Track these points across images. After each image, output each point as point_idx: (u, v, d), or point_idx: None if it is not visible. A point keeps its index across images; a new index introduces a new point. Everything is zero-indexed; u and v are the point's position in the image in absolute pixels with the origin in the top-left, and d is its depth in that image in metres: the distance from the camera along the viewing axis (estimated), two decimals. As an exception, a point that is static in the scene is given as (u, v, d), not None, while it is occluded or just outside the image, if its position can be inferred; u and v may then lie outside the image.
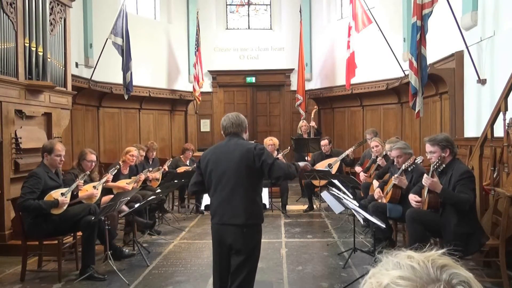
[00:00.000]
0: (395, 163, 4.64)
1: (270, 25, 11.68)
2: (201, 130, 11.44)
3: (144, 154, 6.48)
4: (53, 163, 4.17)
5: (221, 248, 2.82)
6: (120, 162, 5.53)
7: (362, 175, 6.01)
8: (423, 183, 3.48)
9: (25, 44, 5.15)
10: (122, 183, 5.35)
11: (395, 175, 4.26)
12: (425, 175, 3.46)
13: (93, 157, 4.69)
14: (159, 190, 5.38)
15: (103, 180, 4.71)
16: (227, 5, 11.65)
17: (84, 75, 8.19)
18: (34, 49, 5.24)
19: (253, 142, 3.17)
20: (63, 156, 4.27)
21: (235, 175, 2.74)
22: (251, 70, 11.25)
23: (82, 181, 4.29)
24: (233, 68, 11.21)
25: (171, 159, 7.77)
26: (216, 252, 2.88)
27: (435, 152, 3.53)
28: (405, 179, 4.25)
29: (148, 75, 9.97)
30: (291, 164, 2.99)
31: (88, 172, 4.53)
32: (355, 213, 4.06)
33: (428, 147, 3.60)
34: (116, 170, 5.00)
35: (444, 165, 3.51)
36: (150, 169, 6.13)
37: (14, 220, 4.74)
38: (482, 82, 5.35)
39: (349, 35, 8.60)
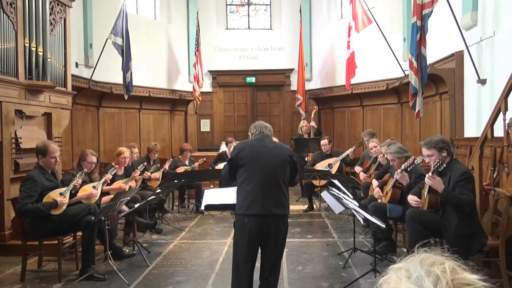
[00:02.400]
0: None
1: (270, 25, 11.69)
2: (201, 130, 11.44)
3: (136, 151, 6.45)
4: (49, 164, 4.15)
5: (255, 240, 2.89)
6: (113, 164, 5.51)
7: (362, 175, 6.01)
8: (426, 181, 3.47)
9: (25, 44, 5.15)
10: (119, 183, 5.32)
11: (397, 171, 4.24)
12: (428, 173, 3.45)
13: (93, 158, 4.68)
14: (159, 190, 5.38)
15: (102, 180, 4.70)
16: (227, 5, 11.65)
17: (84, 75, 8.19)
18: (34, 49, 5.24)
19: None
20: (58, 157, 4.25)
21: (278, 169, 2.97)
22: (251, 70, 11.25)
23: (80, 180, 4.27)
24: (233, 68, 11.21)
25: (171, 159, 7.77)
26: (246, 245, 2.90)
27: (433, 155, 3.52)
28: (407, 176, 4.25)
29: (148, 75, 9.98)
30: None
31: (85, 170, 4.52)
32: (355, 213, 4.06)
33: (425, 151, 3.59)
34: (115, 170, 5.00)
35: (444, 165, 3.50)
36: (145, 163, 6.10)
37: (14, 220, 4.74)
38: (482, 82, 5.35)
39: (349, 35, 8.60)
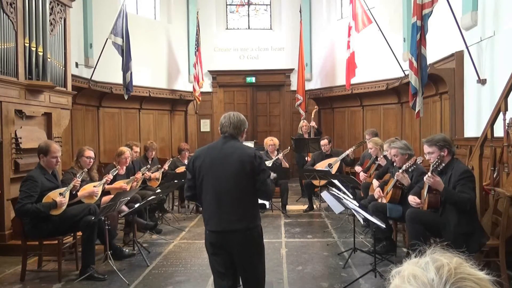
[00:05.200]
0: (394, 164, 4.65)
1: (270, 25, 11.68)
2: (201, 130, 11.45)
3: (138, 149, 6.46)
4: (49, 164, 4.15)
5: (220, 253, 2.67)
6: (114, 164, 5.52)
7: (362, 175, 6.01)
8: (425, 181, 3.48)
9: (25, 44, 5.15)
10: (120, 183, 5.33)
11: (398, 172, 4.24)
12: (428, 173, 3.45)
13: (91, 153, 4.69)
14: (159, 190, 5.38)
15: (103, 180, 4.71)
16: (227, 5, 11.65)
17: (84, 75, 8.19)
18: (34, 49, 5.24)
19: (250, 147, 2.98)
20: (59, 157, 4.25)
21: (233, 180, 2.62)
22: (251, 70, 11.25)
23: (80, 179, 4.27)
24: (233, 68, 11.21)
25: (171, 159, 7.77)
26: (212, 257, 2.71)
27: (433, 152, 3.54)
28: (408, 177, 4.24)
29: (148, 75, 9.97)
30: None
31: (86, 169, 4.52)
32: (355, 213, 4.06)
33: (426, 148, 3.60)
34: (117, 171, 5.00)
35: (443, 165, 3.51)
36: (148, 166, 6.11)
37: (14, 220, 4.73)
38: (482, 82, 5.35)
39: (349, 35, 8.60)
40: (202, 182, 2.69)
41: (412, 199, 3.76)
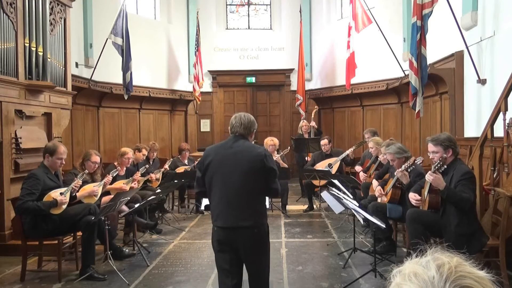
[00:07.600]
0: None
1: (270, 25, 11.69)
2: (201, 130, 11.45)
3: (146, 153, 6.48)
4: (53, 165, 4.16)
5: (227, 250, 2.69)
6: (115, 164, 5.52)
7: (362, 175, 6.01)
8: (426, 179, 3.47)
9: (25, 44, 5.15)
10: (120, 183, 5.33)
11: (398, 170, 4.23)
12: (429, 171, 3.44)
13: (97, 158, 4.71)
14: (159, 190, 5.38)
15: (103, 181, 4.71)
16: (227, 5, 11.65)
17: (84, 75, 8.20)
18: (34, 49, 5.24)
19: (259, 146, 3.02)
20: (64, 160, 4.26)
21: (242, 178, 2.66)
22: (251, 70, 11.26)
23: (81, 181, 4.27)
24: (233, 68, 11.22)
25: (171, 159, 7.77)
26: (218, 254, 2.73)
27: (438, 152, 3.52)
28: (407, 174, 4.24)
29: (148, 75, 9.98)
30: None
31: (87, 171, 4.53)
32: (355, 213, 4.06)
33: (431, 147, 3.59)
34: (117, 172, 5.01)
35: (445, 166, 3.49)
36: (147, 166, 6.11)
37: (14, 220, 4.73)
38: (482, 82, 5.35)
39: (349, 35, 8.60)
40: (212, 180, 2.73)
41: (412, 196, 3.75)
